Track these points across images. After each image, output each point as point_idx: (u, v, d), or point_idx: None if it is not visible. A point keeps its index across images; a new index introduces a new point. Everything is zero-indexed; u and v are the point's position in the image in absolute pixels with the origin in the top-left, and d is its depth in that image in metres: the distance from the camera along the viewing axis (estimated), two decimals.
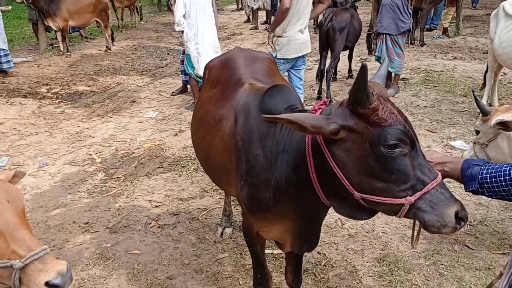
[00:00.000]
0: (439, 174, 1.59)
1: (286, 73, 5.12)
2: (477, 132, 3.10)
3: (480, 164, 1.59)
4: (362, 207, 1.71)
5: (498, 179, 1.49)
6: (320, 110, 1.78)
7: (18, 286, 1.49)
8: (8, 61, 8.65)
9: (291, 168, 1.89)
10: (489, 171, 1.53)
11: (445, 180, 1.67)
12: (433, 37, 10.50)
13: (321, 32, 6.71)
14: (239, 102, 2.28)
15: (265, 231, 2.25)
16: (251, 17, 14.73)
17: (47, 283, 1.47)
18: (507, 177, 1.47)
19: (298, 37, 4.83)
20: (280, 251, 3.31)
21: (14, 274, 1.47)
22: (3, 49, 8.49)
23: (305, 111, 1.94)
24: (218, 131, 2.36)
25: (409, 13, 6.58)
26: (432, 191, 1.54)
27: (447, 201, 1.53)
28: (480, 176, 1.55)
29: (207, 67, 3.04)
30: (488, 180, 1.52)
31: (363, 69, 1.47)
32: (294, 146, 1.88)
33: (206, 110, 2.57)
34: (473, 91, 2.98)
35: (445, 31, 10.61)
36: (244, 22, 15.44)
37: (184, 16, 6.16)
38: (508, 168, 1.48)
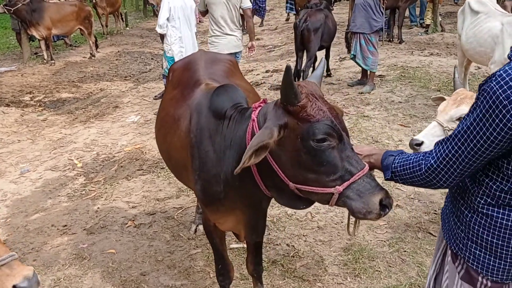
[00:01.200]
0: (367, 165, 1.73)
1: None
2: None
3: (394, 155, 1.72)
4: (299, 197, 1.86)
5: (405, 167, 1.63)
6: (260, 107, 1.94)
7: None
8: None
9: (236, 162, 2.00)
10: (399, 160, 1.66)
11: None
12: (420, 34, 10.67)
13: (296, 33, 6.86)
14: (194, 102, 2.40)
15: (220, 223, 2.38)
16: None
17: (14, 287, 1.56)
18: (411, 165, 1.60)
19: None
20: None
21: None
22: None
23: (248, 109, 2.07)
24: (176, 130, 2.48)
25: (381, 12, 6.73)
26: (359, 181, 1.68)
27: (372, 189, 1.67)
28: (392, 165, 1.68)
29: (171, 70, 3.16)
30: (398, 168, 1.65)
31: (287, 71, 1.62)
32: (238, 141, 2.01)
33: (167, 111, 2.70)
34: (455, 66, 3.12)
35: (426, 27, 10.80)
36: None
37: (168, 19, 6.33)
38: (412, 158, 1.62)
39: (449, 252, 1.70)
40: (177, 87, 2.78)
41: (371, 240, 3.54)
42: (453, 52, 8.84)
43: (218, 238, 2.53)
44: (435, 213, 3.83)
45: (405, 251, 3.39)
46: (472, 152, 1.42)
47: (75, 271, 3.39)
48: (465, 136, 1.43)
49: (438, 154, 1.51)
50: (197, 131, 2.22)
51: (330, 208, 3.96)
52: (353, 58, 6.91)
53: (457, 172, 1.47)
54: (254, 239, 2.42)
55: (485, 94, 1.38)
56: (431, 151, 1.56)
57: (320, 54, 7.78)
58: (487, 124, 1.36)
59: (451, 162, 1.47)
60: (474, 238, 1.56)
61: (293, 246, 3.53)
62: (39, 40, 10.63)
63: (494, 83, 1.35)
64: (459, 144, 1.45)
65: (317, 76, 1.97)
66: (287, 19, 16.15)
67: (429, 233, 3.59)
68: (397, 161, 1.66)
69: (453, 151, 1.46)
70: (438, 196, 4.08)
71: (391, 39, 10.14)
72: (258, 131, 1.83)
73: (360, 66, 7.04)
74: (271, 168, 1.80)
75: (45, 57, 10.55)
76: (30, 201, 4.61)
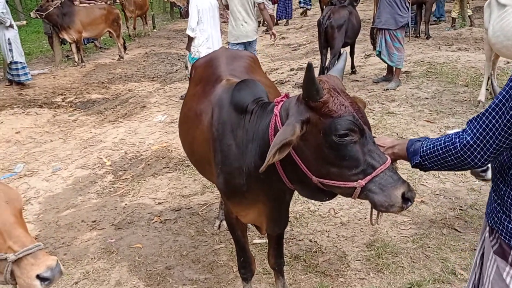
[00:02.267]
0: (388, 158, 1.74)
1: None
2: None
3: (421, 140, 1.73)
4: (322, 190, 1.88)
5: (436, 148, 1.62)
6: (282, 102, 1.97)
7: (9, 278, 1.67)
8: (26, 74, 9.05)
9: (259, 156, 2.06)
10: (429, 143, 1.66)
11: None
12: (446, 29, 10.48)
13: (320, 30, 6.84)
14: (215, 97, 2.46)
15: (242, 215, 2.42)
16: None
17: (38, 276, 1.64)
18: (443, 145, 1.59)
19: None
20: None
21: (7, 267, 1.65)
22: (21, 62, 8.90)
23: (270, 103, 2.11)
24: (199, 124, 2.54)
25: (407, 7, 6.65)
26: (381, 174, 1.70)
27: (394, 183, 1.69)
28: (421, 149, 1.68)
29: (194, 67, 3.24)
30: (428, 151, 1.65)
31: (309, 67, 1.65)
32: (260, 135, 2.05)
33: (189, 106, 2.76)
34: (490, 75, 3.02)
35: (453, 21, 10.59)
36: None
37: (197, 22, 6.46)
38: (443, 138, 1.61)
39: (488, 227, 1.71)
40: (199, 84, 2.85)
41: (394, 236, 3.52)
42: (481, 47, 8.62)
43: (240, 231, 2.58)
44: (461, 209, 3.78)
45: (429, 247, 3.36)
46: (508, 124, 1.41)
47: (103, 264, 3.50)
48: (500, 106, 1.43)
49: (474, 130, 1.49)
50: (219, 125, 2.27)
51: (353, 204, 3.96)
52: (379, 54, 6.85)
53: (493, 148, 1.46)
54: (277, 231, 2.46)
55: None
56: (463, 129, 1.54)
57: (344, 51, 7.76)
58: None
59: (487, 137, 1.45)
60: (508, 212, 1.56)
61: (316, 241, 3.55)
62: (70, 43, 10.94)
63: None
64: (495, 116, 1.44)
65: (339, 70, 1.97)
66: (302, 13, 16.17)
67: (455, 229, 3.54)
68: (425, 144, 1.67)
69: (490, 125, 1.45)
70: (464, 192, 4.02)
71: (418, 35, 9.99)
72: (281, 125, 1.86)
73: (386, 63, 6.98)
74: (294, 162, 1.83)
75: (76, 59, 10.85)
76: (61, 198, 4.78)
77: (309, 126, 1.75)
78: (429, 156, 1.64)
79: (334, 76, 1.88)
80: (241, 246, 2.64)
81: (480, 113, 1.51)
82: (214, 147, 2.31)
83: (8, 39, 8.76)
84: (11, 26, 8.80)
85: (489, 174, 2.42)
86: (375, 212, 1.88)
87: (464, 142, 1.51)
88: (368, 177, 1.69)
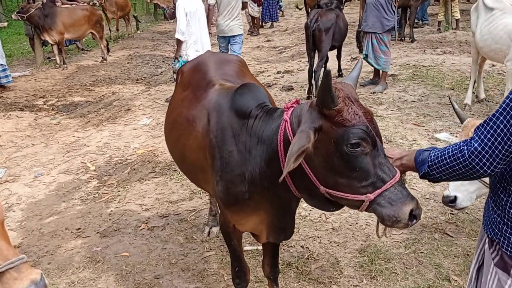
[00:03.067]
0: (398, 172, 1.70)
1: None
2: None
3: (429, 150, 1.69)
4: (329, 200, 1.83)
5: (444, 157, 1.58)
6: (292, 108, 1.90)
7: None
8: (7, 76, 8.85)
9: (265, 162, 2.00)
10: (437, 153, 1.63)
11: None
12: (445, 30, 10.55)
13: (307, 33, 6.82)
14: (210, 102, 2.38)
15: (241, 224, 2.35)
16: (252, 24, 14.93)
17: None
18: (451, 153, 1.55)
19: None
20: None
21: None
22: (1, 64, 8.70)
23: (277, 109, 2.06)
24: (192, 131, 2.46)
25: (393, 11, 6.67)
26: (391, 188, 1.66)
27: (404, 199, 1.65)
28: (429, 159, 1.64)
29: (180, 72, 3.15)
30: (436, 161, 1.61)
31: (327, 75, 1.59)
32: (267, 141, 1.98)
33: (178, 112, 2.68)
34: (449, 97, 2.99)
35: (439, 24, 10.68)
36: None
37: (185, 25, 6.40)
38: (452, 147, 1.57)
39: (487, 239, 1.67)
40: (187, 88, 2.77)
41: (386, 242, 3.49)
42: (466, 50, 8.73)
43: (236, 240, 2.50)
44: (452, 214, 3.77)
45: (421, 252, 3.33)
46: None
47: (89, 274, 3.39)
48: (508, 110, 1.39)
49: (482, 136, 1.45)
50: (218, 132, 2.20)
51: (344, 209, 3.91)
52: (365, 58, 6.85)
53: (502, 154, 1.42)
54: (282, 239, 2.40)
55: None
56: (471, 137, 1.50)
57: (332, 54, 7.76)
58: None
59: (496, 143, 1.42)
60: (509, 223, 1.53)
61: (308, 248, 3.50)
62: (51, 45, 10.73)
63: None
64: (504, 121, 1.40)
65: (353, 78, 1.93)
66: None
67: (446, 234, 3.52)
68: (433, 154, 1.62)
69: (498, 130, 1.41)
70: None
71: (403, 38, 10.05)
72: (291, 131, 1.81)
73: (372, 66, 6.98)
74: (303, 170, 1.77)
75: (58, 61, 10.64)
76: (44, 204, 4.64)
77: (320, 134, 1.70)
78: (437, 166, 1.60)
79: (348, 84, 1.83)
80: (236, 256, 2.57)
81: (487, 119, 1.47)
82: (212, 154, 2.23)
83: None
84: None
85: (459, 204, 2.36)
86: (381, 225, 1.83)
87: (472, 149, 1.47)
88: (378, 191, 1.65)
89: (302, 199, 2.10)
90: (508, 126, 1.39)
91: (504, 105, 1.41)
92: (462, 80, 6.83)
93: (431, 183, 1.75)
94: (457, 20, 10.49)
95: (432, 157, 1.63)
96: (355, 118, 1.66)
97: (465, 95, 5.99)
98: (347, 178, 1.69)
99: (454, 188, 2.34)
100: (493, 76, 7.06)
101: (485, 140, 1.44)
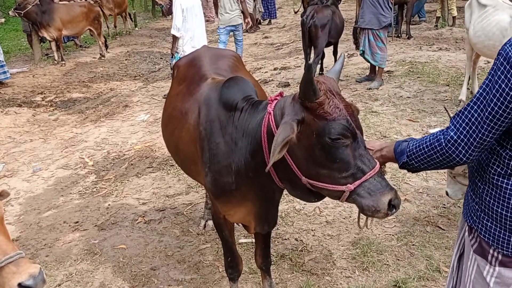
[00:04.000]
0: (378, 163, 1.75)
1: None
2: None
3: (408, 141, 1.74)
4: (311, 191, 1.89)
5: (422, 146, 1.62)
6: (276, 101, 1.95)
7: None
8: (4, 72, 8.87)
9: (249, 153, 2.06)
10: (415, 143, 1.68)
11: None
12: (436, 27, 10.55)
13: (303, 29, 6.86)
14: (202, 95, 2.44)
15: (230, 215, 2.41)
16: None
17: (20, 285, 1.58)
18: (428, 143, 1.60)
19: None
20: None
21: None
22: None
23: (262, 101, 2.11)
24: (185, 124, 2.51)
25: (390, 7, 6.71)
26: (371, 179, 1.71)
27: (383, 189, 1.71)
28: (407, 149, 1.69)
29: (176, 66, 3.20)
30: (414, 150, 1.66)
31: (308, 68, 1.64)
32: (251, 133, 2.04)
33: (173, 106, 2.73)
34: (444, 107, 3.01)
35: (437, 20, 10.69)
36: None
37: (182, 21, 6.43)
38: (429, 136, 1.62)
39: (467, 227, 1.72)
40: (182, 83, 2.82)
41: (379, 234, 3.55)
42: (462, 47, 8.76)
43: (228, 231, 2.56)
44: (444, 207, 3.83)
45: (413, 244, 3.39)
46: (490, 117, 1.41)
47: (86, 266, 3.45)
48: (481, 100, 1.43)
49: (458, 125, 1.50)
50: (207, 124, 2.25)
51: (338, 203, 3.96)
52: (362, 54, 6.90)
53: (477, 142, 1.46)
54: (266, 229, 2.45)
55: (499, 57, 1.40)
56: (448, 126, 1.55)
57: (328, 51, 7.80)
58: (503, 85, 1.37)
59: (470, 131, 1.46)
60: (486, 210, 1.57)
61: (302, 240, 3.55)
62: (49, 41, 10.76)
63: (507, 45, 1.38)
64: (477, 110, 1.44)
65: (336, 72, 1.97)
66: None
67: (438, 227, 3.58)
68: (411, 144, 1.67)
69: (472, 119, 1.45)
70: None
71: (400, 35, 10.09)
72: (274, 124, 1.86)
73: (369, 62, 7.03)
74: (285, 161, 1.82)
75: (56, 58, 10.67)
76: (43, 198, 4.69)
77: (303, 127, 1.74)
78: (416, 155, 1.65)
79: (331, 78, 1.88)
80: (228, 246, 2.62)
81: (462, 108, 1.52)
82: (201, 146, 2.29)
83: None
84: None
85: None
86: (363, 216, 1.89)
87: (448, 137, 1.51)
88: (357, 182, 1.70)
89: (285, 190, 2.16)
90: (482, 114, 1.43)
91: (477, 95, 1.46)
92: (458, 76, 6.88)
93: (410, 172, 1.80)
94: (454, 17, 10.52)
95: (410, 147, 1.68)
96: (336, 111, 1.70)
97: (459, 91, 6.04)
98: (328, 169, 1.73)
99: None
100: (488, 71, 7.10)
101: (460, 129, 1.48)
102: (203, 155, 2.26)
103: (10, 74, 9.16)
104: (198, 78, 2.62)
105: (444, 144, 1.53)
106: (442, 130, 1.57)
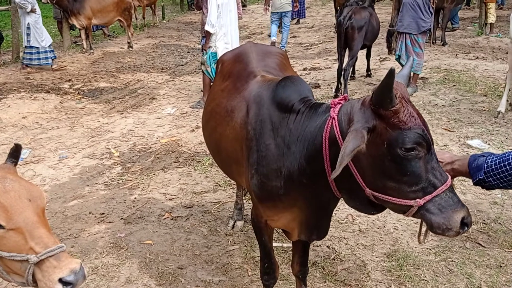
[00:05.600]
0: (449, 177, 1.62)
1: None
2: None
3: (485, 155, 1.61)
4: (372, 203, 1.75)
5: (502, 164, 1.51)
6: (340, 105, 1.82)
7: (30, 281, 1.54)
8: (46, 58, 8.96)
9: (305, 158, 1.93)
10: (494, 159, 1.55)
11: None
12: (498, 35, 10.24)
13: (340, 30, 6.71)
14: (251, 93, 2.32)
15: (274, 220, 2.29)
16: None
17: (60, 280, 1.52)
18: (510, 161, 1.47)
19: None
20: (289, 244, 3.33)
21: (29, 269, 1.53)
22: (36, 47, 8.84)
23: (322, 104, 1.98)
24: (230, 121, 2.40)
25: (431, 12, 6.50)
26: (442, 194, 1.58)
27: (455, 205, 1.57)
28: (485, 165, 1.56)
29: (220, 61, 3.09)
30: (493, 167, 1.53)
31: (391, 74, 1.50)
32: (308, 137, 1.91)
33: (217, 102, 2.62)
34: None
35: (491, 27, 10.40)
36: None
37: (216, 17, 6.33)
38: (511, 153, 1.49)
39: None
40: (228, 79, 2.71)
41: (415, 247, 3.39)
42: (499, 56, 8.52)
43: (268, 236, 2.44)
44: (484, 223, 3.65)
45: (452, 260, 3.23)
46: None
47: (112, 260, 3.37)
48: None
49: None
50: (256, 124, 2.14)
51: None
52: (398, 59, 6.71)
53: None
54: (314, 239, 2.32)
55: None
56: None
57: (360, 54, 7.62)
58: None
59: None
60: None
61: (334, 248, 3.42)
62: (79, 29, 10.79)
63: None
64: None
65: (404, 76, 1.82)
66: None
67: (478, 243, 3.41)
68: (490, 159, 1.55)
69: None
70: (486, 205, 3.90)
71: (434, 41, 9.84)
72: (338, 129, 1.73)
73: None
74: (349, 171, 1.69)
75: (85, 46, 10.70)
76: (68, 187, 4.64)
77: (373, 135, 1.61)
78: (495, 172, 1.51)
79: (401, 83, 1.72)
80: (266, 252, 2.50)
81: None
82: (248, 146, 2.17)
83: (28, 23, 8.75)
84: (32, 11, 8.72)
85: None
86: (423, 229, 1.75)
87: None
88: (428, 197, 1.58)
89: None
90: None
91: None
92: (496, 87, 6.66)
93: (485, 189, 1.66)
94: (491, 24, 10.22)
95: (489, 163, 1.56)
96: (411, 120, 1.57)
97: (498, 102, 5.83)
98: (397, 182, 1.61)
99: None
100: None
101: None
102: (250, 156, 2.14)
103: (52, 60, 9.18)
104: (246, 75, 2.51)
105: None
106: None
